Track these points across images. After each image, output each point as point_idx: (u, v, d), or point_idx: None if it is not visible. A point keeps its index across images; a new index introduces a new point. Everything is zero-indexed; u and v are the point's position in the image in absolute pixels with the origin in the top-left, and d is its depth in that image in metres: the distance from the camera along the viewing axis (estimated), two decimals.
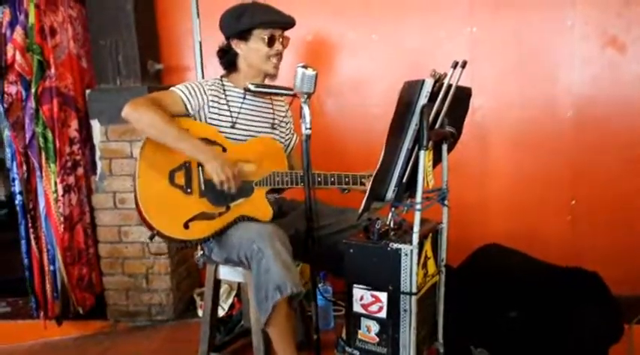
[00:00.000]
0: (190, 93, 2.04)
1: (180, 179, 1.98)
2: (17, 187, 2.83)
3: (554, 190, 2.84)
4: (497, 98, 2.78)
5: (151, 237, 2.01)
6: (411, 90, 1.57)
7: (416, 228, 1.61)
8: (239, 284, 2.75)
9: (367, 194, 1.64)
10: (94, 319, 2.97)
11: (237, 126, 2.10)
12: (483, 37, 2.77)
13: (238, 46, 2.09)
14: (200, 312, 2.87)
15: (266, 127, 2.20)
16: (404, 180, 1.67)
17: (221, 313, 2.67)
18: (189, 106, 2.03)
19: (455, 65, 1.58)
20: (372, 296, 1.72)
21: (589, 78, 2.75)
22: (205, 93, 2.06)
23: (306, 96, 1.81)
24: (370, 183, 1.65)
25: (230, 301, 2.73)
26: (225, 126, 2.08)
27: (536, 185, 2.85)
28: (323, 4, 2.84)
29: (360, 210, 1.67)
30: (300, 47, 2.84)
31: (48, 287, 2.86)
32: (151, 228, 1.94)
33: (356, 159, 2.84)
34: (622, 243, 2.79)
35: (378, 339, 1.74)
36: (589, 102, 2.75)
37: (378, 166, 1.62)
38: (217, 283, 2.25)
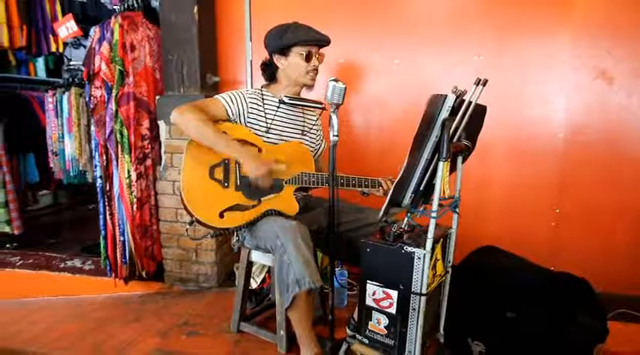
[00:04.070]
0: (232, 100, 1.71)
1: (219, 174, 1.66)
2: (98, 172, 2.57)
3: (542, 199, 2.42)
4: (498, 117, 2.37)
5: (191, 223, 1.71)
6: (434, 104, 1.21)
7: (430, 235, 1.24)
8: None
9: (387, 200, 1.28)
10: (154, 281, 2.69)
11: (271, 131, 1.77)
12: (489, 65, 2.35)
13: (279, 61, 1.75)
14: None
15: (297, 133, 1.86)
16: (421, 188, 1.31)
17: (254, 285, 2.34)
18: (230, 112, 1.70)
19: (478, 82, 1.21)
20: (384, 292, 1.36)
21: (579, 105, 2.31)
22: (245, 101, 1.73)
23: (335, 106, 1.49)
24: (391, 190, 1.29)
25: (262, 276, 2.39)
26: (261, 131, 1.75)
27: (527, 194, 2.43)
28: (354, 33, 2.48)
29: (379, 215, 1.31)
30: (334, 68, 2.49)
31: (118, 254, 2.59)
32: (191, 215, 1.64)
33: (374, 165, 2.50)
34: (597, 247, 2.37)
35: (386, 332, 1.38)
36: (578, 127, 2.32)
37: (400, 175, 1.26)
38: (250, 264, 1.93)
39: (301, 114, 1.89)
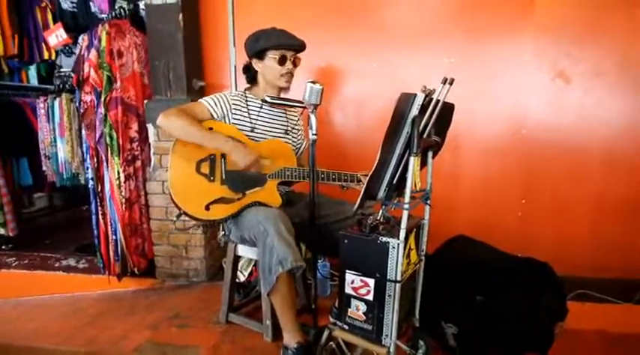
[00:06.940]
0: (216, 103, 1.69)
1: (205, 168, 1.65)
2: (90, 174, 2.51)
3: (509, 192, 2.45)
4: (467, 116, 2.39)
5: (178, 216, 1.70)
6: (404, 102, 1.21)
7: (403, 225, 1.24)
8: None
9: (362, 194, 1.28)
10: (146, 277, 2.63)
11: (255, 130, 1.75)
12: (459, 66, 2.37)
13: (257, 65, 1.75)
14: None
15: (280, 132, 1.84)
16: (394, 182, 1.30)
17: (242, 278, 2.31)
18: (214, 115, 1.69)
19: (445, 81, 1.21)
20: (362, 281, 1.36)
21: (540, 103, 2.35)
22: (229, 103, 1.71)
23: (313, 107, 1.48)
24: (365, 184, 1.28)
25: (250, 269, 2.37)
26: (246, 130, 1.73)
27: (495, 187, 2.46)
28: (334, 38, 2.46)
29: (355, 207, 1.30)
30: (316, 71, 2.47)
31: (111, 252, 2.53)
32: (178, 208, 1.63)
33: (355, 162, 2.49)
34: (559, 234, 2.41)
35: (365, 317, 1.38)
36: (539, 123, 2.36)
37: (372, 169, 1.25)
38: (237, 258, 1.91)
39: (284, 115, 1.88)
